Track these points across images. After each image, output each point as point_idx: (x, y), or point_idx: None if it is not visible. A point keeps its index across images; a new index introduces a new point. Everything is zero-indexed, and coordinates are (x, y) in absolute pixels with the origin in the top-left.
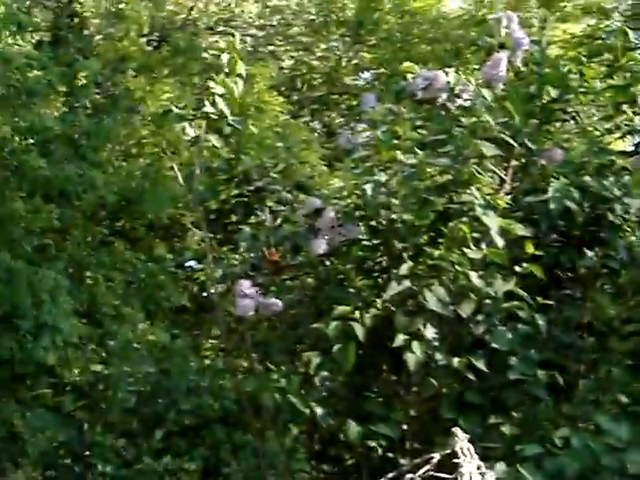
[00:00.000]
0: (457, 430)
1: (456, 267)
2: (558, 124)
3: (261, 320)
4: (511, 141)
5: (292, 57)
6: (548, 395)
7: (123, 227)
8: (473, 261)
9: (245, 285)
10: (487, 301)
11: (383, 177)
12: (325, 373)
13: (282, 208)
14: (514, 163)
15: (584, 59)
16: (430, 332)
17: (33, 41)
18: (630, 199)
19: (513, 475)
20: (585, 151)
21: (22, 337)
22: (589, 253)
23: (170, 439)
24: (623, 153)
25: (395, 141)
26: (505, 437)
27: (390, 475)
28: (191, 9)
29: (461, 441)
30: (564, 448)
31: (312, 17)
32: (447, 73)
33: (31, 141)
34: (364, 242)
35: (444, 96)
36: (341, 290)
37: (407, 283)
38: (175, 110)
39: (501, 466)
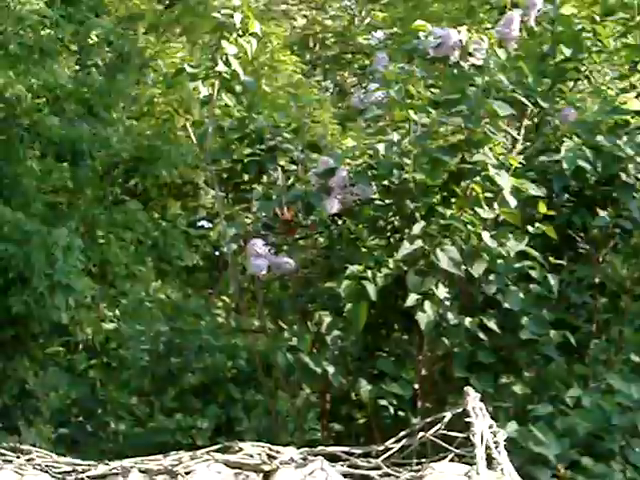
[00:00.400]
0: (469, 389)
1: (468, 227)
2: (571, 83)
3: (273, 279)
4: (524, 100)
5: (305, 16)
6: (560, 355)
7: (135, 186)
8: (485, 221)
9: (258, 244)
10: (499, 261)
11: (396, 136)
12: (337, 332)
13: (294, 167)
14: (527, 123)
15: (598, 18)
16: (442, 292)
17: None
18: None
19: (524, 434)
20: (598, 110)
21: (40, 295)
22: (602, 213)
23: (183, 397)
24: (637, 113)
25: (408, 100)
26: (517, 396)
27: (401, 434)
28: None
29: (473, 400)
30: (575, 408)
31: None
32: (460, 32)
33: (44, 99)
34: (376, 202)
35: (456, 55)
36: (353, 250)
37: (419, 243)
38: (188, 69)
39: (512, 425)
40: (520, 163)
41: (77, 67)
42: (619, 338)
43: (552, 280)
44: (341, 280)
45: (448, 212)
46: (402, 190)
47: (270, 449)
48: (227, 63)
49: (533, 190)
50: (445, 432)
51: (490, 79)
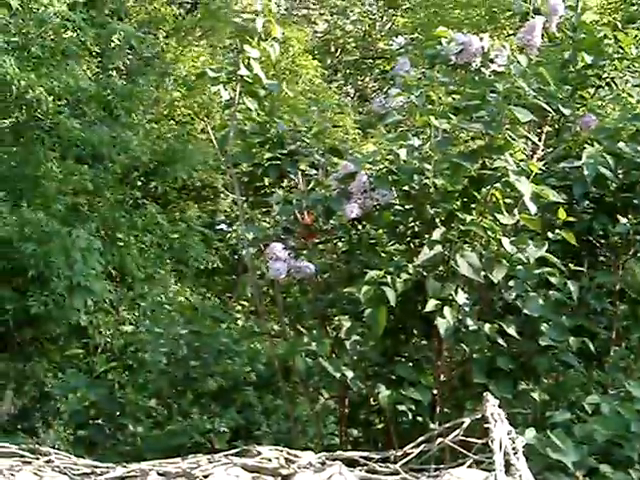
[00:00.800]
0: (488, 395)
1: (488, 233)
2: (592, 90)
3: (293, 283)
4: (545, 107)
5: (326, 21)
6: (579, 362)
7: (155, 190)
8: (505, 227)
9: (277, 248)
10: (519, 267)
11: (416, 142)
12: (356, 337)
13: (315, 172)
14: (548, 129)
15: (620, 25)
16: (461, 297)
17: (68, 1)
18: None
19: (543, 441)
20: (620, 117)
21: (58, 297)
22: (622, 220)
23: (201, 401)
24: None
25: (429, 106)
26: (535, 403)
27: (420, 439)
28: None
29: (492, 406)
30: (594, 415)
31: None
32: (481, 38)
33: (65, 102)
34: (396, 207)
35: (478, 61)
36: (373, 255)
37: (439, 248)
38: (210, 73)
39: (531, 432)
40: (540, 169)
41: (98, 70)
42: (639, 345)
43: (572, 286)
44: (361, 285)
45: (468, 218)
46: (422, 195)
47: (288, 453)
48: (249, 67)
49: (553, 196)
50: (464, 438)
51: (511, 85)
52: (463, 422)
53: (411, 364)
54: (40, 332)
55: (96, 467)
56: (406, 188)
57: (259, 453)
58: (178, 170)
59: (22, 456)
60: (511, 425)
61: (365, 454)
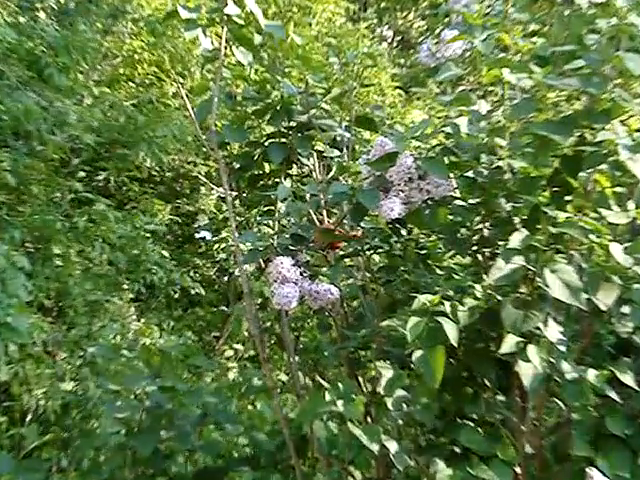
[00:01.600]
0: (594, 472)
1: (590, 237)
2: None
3: (308, 315)
4: None
5: None
6: None
7: (106, 181)
8: (616, 228)
9: (286, 264)
10: (636, 286)
11: (484, 107)
12: (401, 392)
13: (338, 153)
14: None
15: None
16: (554, 332)
17: None
18: None
19: None
20: None
21: None
22: None
23: None
24: None
25: (500, 54)
26: None
27: None
28: None
29: None
30: None
31: None
32: None
33: None
34: (457, 202)
35: None
36: (424, 272)
37: (520, 261)
38: (182, 12)
39: None
40: None
41: (18, 11)
42: None
43: None
44: (407, 316)
45: (561, 215)
46: (494, 184)
47: None
48: (239, 2)
49: None
50: None
51: (619, 22)
52: None
53: (482, 430)
54: None
55: None
56: (470, 174)
57: None
58: (141, 153)
59: None
60: None
61: None
